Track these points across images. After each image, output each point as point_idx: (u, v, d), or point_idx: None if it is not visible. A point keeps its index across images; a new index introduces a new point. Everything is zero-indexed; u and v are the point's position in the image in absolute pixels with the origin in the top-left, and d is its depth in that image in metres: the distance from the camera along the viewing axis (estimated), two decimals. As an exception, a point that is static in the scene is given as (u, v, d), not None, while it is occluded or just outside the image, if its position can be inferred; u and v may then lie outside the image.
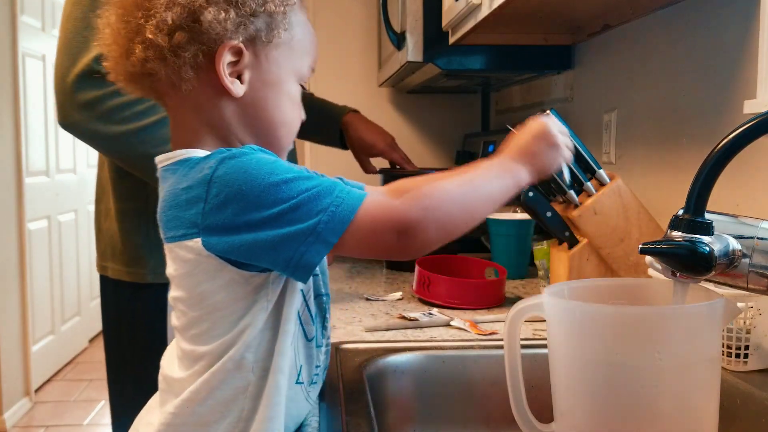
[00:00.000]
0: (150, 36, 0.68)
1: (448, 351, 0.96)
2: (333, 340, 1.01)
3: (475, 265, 1.37)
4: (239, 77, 0.72)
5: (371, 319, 1.14)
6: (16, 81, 3.35)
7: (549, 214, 1.09)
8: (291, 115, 0.76)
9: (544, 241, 1.26)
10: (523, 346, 0.76)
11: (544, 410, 0.76)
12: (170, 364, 0.75)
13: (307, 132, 1.62)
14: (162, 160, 0.73)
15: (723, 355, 0.84)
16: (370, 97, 2.62)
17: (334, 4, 2.62)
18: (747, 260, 0.66)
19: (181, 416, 0.70)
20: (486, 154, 2.20)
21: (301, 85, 0.77)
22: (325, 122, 1.68)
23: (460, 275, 1.32)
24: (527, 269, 1.47)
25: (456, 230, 0.69)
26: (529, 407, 0.76)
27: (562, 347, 0.69)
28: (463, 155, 2.47)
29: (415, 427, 0.95)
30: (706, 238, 0.63)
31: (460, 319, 1.11)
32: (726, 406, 0.78)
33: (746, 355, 0.83)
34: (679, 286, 0.67)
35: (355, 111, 1.70)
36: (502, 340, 0.76)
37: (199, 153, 0.70)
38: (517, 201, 1.09)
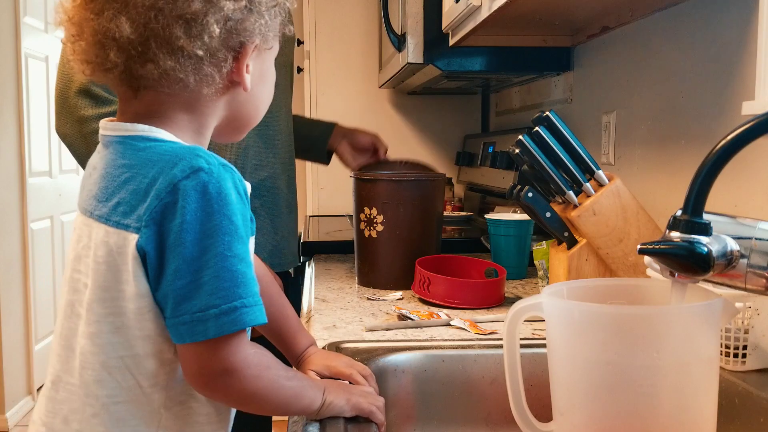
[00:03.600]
0: (187, 47, 0.65)
1: (448, 350, 0.96)
2: (333, 339, 1.01)
3: (474, 265, 1.37)
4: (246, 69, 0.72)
5: (371, 319, 1.14)
6: (19, 82, 3.35)
7: (548, 214, 1.09)
8: (270, 95, 0.79)
9: (544, 242, 1.26)
10: (523, 346, 0.77)
11: (543, 409, 0.76)
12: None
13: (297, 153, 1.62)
14: (121, 128, 0.69)
15: (721, 355, 0.84)
16: (371, 99, 2.62)
17: (335, 5, 2.62)
18: (745, 260, 0.66)
19: None
20: (486, 155, 2.21)
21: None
22: (313, 143, 1.66)
23: (460, 275, 1.33)
24: (526, 269, 1.47)
25: (252, 408, 0.71)
26: (529, 406, 0.77)
27: (561, 347, 0.70)
28: (463, 156, 2.47)
29: (415, 426, 0.95)
30: (704, 239, 0.64)
31: (460, 318, 1.11)
32: (724, 406, 0.79)
33: (744, 355, 0.84)
34: (678, 287, 0.68)
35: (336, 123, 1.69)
36: (501, 339, 0.77)
37: (162, 134, 0.68)
38: (516, 201, 1.09)
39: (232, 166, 0.68)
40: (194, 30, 0.65)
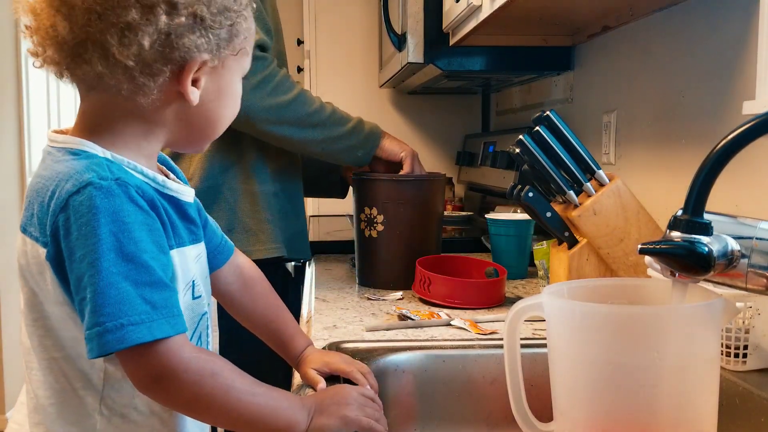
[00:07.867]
0: (118, 55, 0.66)
1: (449, 350, 0.96)
2: (334, 339, 1.01)
3: (475, 265, 1.37)
4: (194, 83, 0.71)
5: (372, 319, 1.14)
6: (20, 82, 3.35)
7: (549, 214, 1.09)
8: (233, 111, 0.77)
9: (544, 241, 1.26)
10: (523, 346, 0.77)
11: (543, 409, 0.76)
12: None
13: (309, 187, 1.54)
14: (55, 140, 0.71)
15: (722, 354, 0.84)
16: (371, 98, 2.62)
17: (335, 5, 2.62)
18: (746, 260, 0.66)
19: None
20: (486, 154, 2.21)
21: None
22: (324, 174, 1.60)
23: (461, 275, 1.33)
24: (527, 269, 1.47)
25: (207, 417, 0.69)
26: (529, 406, 0.77)
27: (562, 347, 0.70)
28: (464, 156, 2.47)
29: (415, 426, 0.95)
30: (704, 239, 0.64)
31: (460, 318, 1.11)
32: (725, 406, 0.79)
33: (745, 355, 0.84)
34: (678, 286, 0.68)
35: None
36: (502, 339, 0.77)
37: (87, 147, 0.68)
38: (517, 201, 1.09)
39: (131, 178, 0.67)
40: (126, 40, 0.66)
